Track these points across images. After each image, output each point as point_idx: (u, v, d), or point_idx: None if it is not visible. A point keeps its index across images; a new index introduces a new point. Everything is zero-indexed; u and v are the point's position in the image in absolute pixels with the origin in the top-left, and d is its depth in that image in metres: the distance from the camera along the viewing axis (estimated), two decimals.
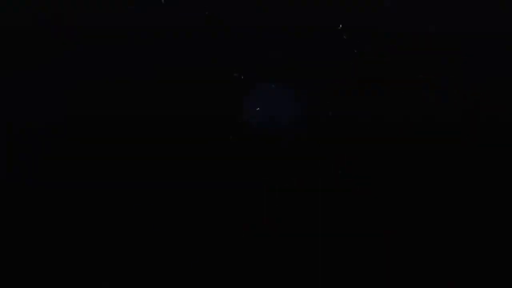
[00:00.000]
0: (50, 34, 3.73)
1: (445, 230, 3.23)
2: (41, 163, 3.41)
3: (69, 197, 3.33)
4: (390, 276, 3.13)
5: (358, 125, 3.51)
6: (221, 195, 3.35)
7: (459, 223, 3.24)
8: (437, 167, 3.38)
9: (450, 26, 3.72)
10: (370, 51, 3.70)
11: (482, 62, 3.64)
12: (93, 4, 3.82)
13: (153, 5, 3.84)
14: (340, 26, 2.90)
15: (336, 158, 3.43)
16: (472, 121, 3.49)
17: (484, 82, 3.59)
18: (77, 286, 3.13)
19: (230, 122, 3.51)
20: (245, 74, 3.66)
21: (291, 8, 3.82)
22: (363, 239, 3.22)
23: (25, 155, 3.43)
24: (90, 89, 3.61)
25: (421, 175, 3.37)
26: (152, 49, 3.73)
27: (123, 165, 3.42)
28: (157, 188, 3.37)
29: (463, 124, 3.48)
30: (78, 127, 3.51)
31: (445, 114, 3.51)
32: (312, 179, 3.37)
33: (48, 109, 3.55)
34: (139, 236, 3.24)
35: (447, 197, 3.31)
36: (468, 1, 3.77)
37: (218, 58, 3.72)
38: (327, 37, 3.74)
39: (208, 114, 3.55)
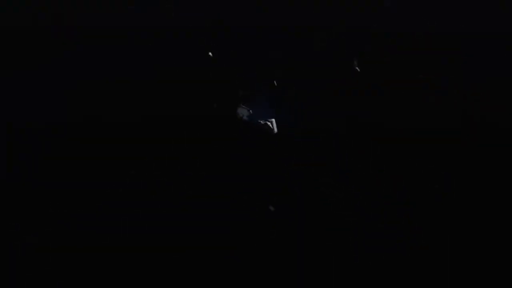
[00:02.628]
0: (50, 34, 3.73)
1: (444, 230, 3.23)
2: (41, 163, 3.42)
3: (69, 197, 3.34)
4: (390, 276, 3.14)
5: (358, 125, 3.52)
6: (221, 193, 3.35)
7: (459, 223, 3.25)
8: (437, 167, 3.39)
9: (450, 26, 3.73)
10: (370, 51, 3.71)
11: (482, 62, 3.65)
12: (93, 4, 3.82)
13: (153, 5, 3.85)
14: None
15: (336, 157, 3.43)
16: (472, 121, 3.50)
17: (484, 82, 3.59)
18: (78, 285, 3.14)
19: (230, 122, 3.51)
20: (245, 74, 3.67)
21: (291, 8, 3.82)
22: (363, 239, 3.22)
23: (25, 155, 3.44)
24: (90, 89, 3.62)
25: (421, 175, 3.38)
26: (152, 49, 3.74)
27: (123, 165, 3.43)
28: (156, 187, 3.37)
29: (463, 124, 3.49)
30: (78, 127, 3.51)
31: (445, 114, 3.52)
32: (312, 178, 3.38)
33: (48, 109, 3.56)
34: (140, 235, 3.25)
35: (447, 197, 3.32)
36: (468, 1, 3.78)
37: (219, 58, 3.73)
38: (327, 37, 3.75)
39: (208, 114, 3.56)
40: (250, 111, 3.26)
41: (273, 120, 3.01)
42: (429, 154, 3.42)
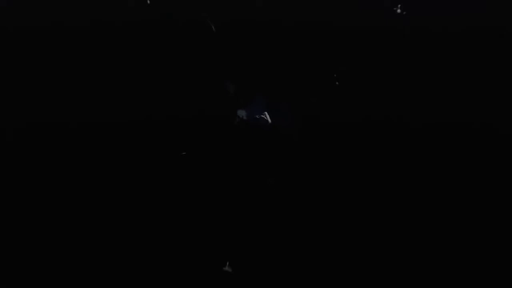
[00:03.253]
0: (50, 34, 3.73)
1: (444, 230, 3.23)
2: (41, 163, 3.42)
3: (69, 197, 3.34)
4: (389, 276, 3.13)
5: (358, 125, 3.52)
6: (221, 193, 3.35)
7: (459, 223, 3.24)
8: (437, 167, 3.39)
9: (450, 26, 3.72)
10: (369, 51, 3.70)
11: (482, 62, 3.65)
12: (93, 4, 3.83)
13: (153, 4, 3.85)
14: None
15: (336, 157, 3.43)
16: (471, 121, 3.49)
17: (484, 82, 3.59)
18: (78, 284, 3.14)
19: (229, 122, 3.51)
20: (245, 74, 3.66)
21: (291, 8, 3.82)
22: (362, 239, 3.22)
23: (25, 155, 3.44)
24: (90, 89, 3.62)
25: (421, 175, 3.37)
26: (152, 49, 3.74)
27: (123, 165, 3.42)
28: (156, 187, 3.37)
29: (462, 124, 3.48)
30: (78, 127, 3.51)
31: (445, 114, 3.52)
32: (312, 178, 3.38)
33: (48, 109, 3.56)
34: (140, 235, 3.24)
35: (447, 197, 3.31)
36: (468, 1, 3.77)
37: (218, 58, 3.73)
38: (326, 37, 3.75)
39: (208, 114, 3.56)
40: (249, 111, 3.36)
41: (266, 113, 3.16)
42: (429, 153, 3.42)
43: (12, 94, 3.60)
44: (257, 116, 3.31)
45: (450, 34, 3.71)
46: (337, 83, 3.58)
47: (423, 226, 3.26)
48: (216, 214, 3.31)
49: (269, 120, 3.13)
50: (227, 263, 3.19)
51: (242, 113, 3.46)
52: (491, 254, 3.16)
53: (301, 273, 3.17)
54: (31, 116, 3.54)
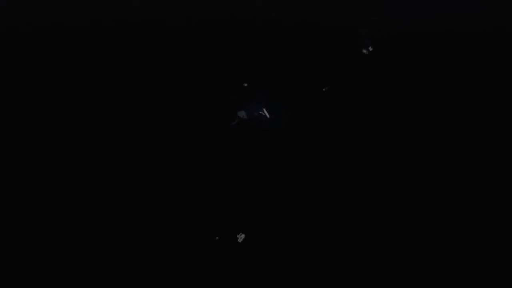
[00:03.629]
0: (50, 34, 3.74)
1: (444, 230, 3.23)
2: (41, 163, 3.42)
3: (69, 197, 3.34)
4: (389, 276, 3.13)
5: (358, 125, 3.52)
6: (221, 193, 3.35)
7: (458, 223, 3.24)
8: (436, 166, 3.39)
9: (449, 26, 3.73)
10: (370, 49, 3.71)
11: (482, 62, 3.65)
12: (93, 4, 3.83)
13: (153, 4, 3.85)
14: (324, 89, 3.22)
15: (334, 157, 3.43)
16: (471, 121, 3.50)
17: (483, 82, 3.60)
18: (77, 284, 3.14)
19: (228, 122, 3.52)
20: (245, 74, 3.67)
21: (291, 8, 3.83)
22: (362, 239, 3.22)
23: (26, 155, 3.44)
24: (89, 89, 3.62)
25: (421, 174, 3.37)
26: (152, 49, 3.74)
27: (123, 165, 3.43)
28: (156, 187, 3.37)
29: (462, 124, 3.49)
30: (78, 127, 3.51)
31: (445, 114, 3.52)
32: (311, 177, 3.38)
33: (49, 109, 3.56)
34: (140, 235, 3.25)
35: (447, 197, 3.31)
36: (468, 1, 3.78)
37: (218, 58, 3.73)
38: (325, 37, 3.75)
39: (208, 114, 3.56)
40: (248, 111, 3.39)
41: (264, 109, 3.19)
42: (428, 153, 3.42)
43: (12, 93, 3.60)
44: (256, 114, 3.34)
45: (450, 34, 3.72)
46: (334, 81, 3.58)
47: (420, 226, 3.26)
48: (216, 212, 3.31)
49: (268, 116, 3.15)
50: (239, 235, 3.20)
51: (241, 113, 3.48)
52: (491, 253, 3.16)
53: (298, 271, 3.17)
54: (31, 116, 3.54)
